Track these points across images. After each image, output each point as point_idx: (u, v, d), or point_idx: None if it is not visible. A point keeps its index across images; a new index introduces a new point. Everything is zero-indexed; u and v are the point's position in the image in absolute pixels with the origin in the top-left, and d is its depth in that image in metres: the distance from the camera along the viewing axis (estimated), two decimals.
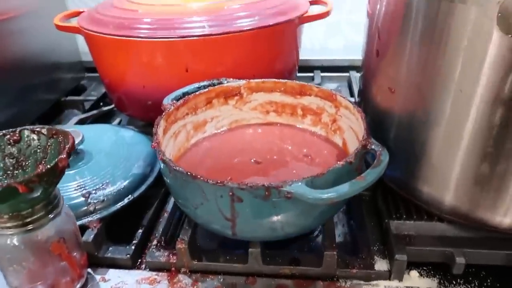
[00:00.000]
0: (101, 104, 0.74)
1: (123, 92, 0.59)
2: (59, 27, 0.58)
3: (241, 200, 0.33)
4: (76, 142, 0.47)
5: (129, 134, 0.55)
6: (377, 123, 0.43)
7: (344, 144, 0.47)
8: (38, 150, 0.37)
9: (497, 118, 0.33)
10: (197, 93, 0.48)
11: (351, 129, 0.45)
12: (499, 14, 0.28)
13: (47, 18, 0.61)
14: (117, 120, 0.65)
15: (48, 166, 0.31)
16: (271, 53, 0.57)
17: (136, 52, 0.53)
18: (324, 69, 0.79)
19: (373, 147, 0.37)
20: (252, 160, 0.46)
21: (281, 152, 0.47)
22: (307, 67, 0.79)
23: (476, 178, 0.36)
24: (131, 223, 0.45)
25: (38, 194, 0.32)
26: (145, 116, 0.61)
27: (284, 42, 0.58)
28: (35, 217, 0.33)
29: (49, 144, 0.37)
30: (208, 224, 0.38)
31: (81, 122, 0.64)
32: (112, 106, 0.67)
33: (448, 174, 0.38)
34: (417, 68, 0.36)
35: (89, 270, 0.41)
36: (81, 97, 0.73)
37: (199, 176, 0.33)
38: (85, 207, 0.43)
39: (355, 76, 0.75)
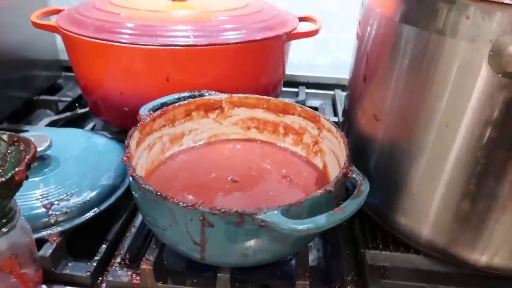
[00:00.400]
0: (77, 105, 0.70)
1: (99, 96, 0.56)
2: (35, 25, 0.55)
3: (212, 225, 0.31)
4: (43, 147, 0.45)
5: (102, 141, 0.52)
6: (359, 148, 0.42)
7: (324, 167, 0.46)
8: None
9: (480, 157, 0.32)
10: (176, 104, 0.46)
11: (333, 153, 0.44)
12: (491, 52, 0.27)
13: (26, 13, 0.58)
14: (91, 125, 0.62)
15: (2, 179, 0.28)
16: (256, 68, 0.56)
17: (115, 57, 0.51)
18: (310, 85, 0.78)
19: (354, 175, 0.35)
20: (229, 178, 0.44)
21: (260, 171, 0.46)
22: (293, 83, 0.78)
23: (455, 214, 0.35)
24: (97, 237, 0.43)
25: None
26: (121, 123, 0.58)
27: (271, 57, 0.57)
28: None
29: (9, 151, 0.34)
30: (176, 246, 0.36)
31: (52, 124, 0.61)
32: (87, 109, 0.64)
33: (427, 208, 0.37)
34: (403, 97, 0.35)
35: (44, 287, 0.39)
36: (55, 97, 0.70)
37: (169, 198, 0.31)
38: (46, 219, 0.40)
39: (340, 94, 0.74)
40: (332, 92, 0.76)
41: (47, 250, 0.38)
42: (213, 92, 0.50)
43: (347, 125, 0.45)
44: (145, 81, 0.51)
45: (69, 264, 0.40)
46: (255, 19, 0.55)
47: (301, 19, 0.62)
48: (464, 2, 0.28)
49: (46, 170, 0.45)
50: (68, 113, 0.64)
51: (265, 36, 0.53)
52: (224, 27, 0.52)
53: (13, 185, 0.29)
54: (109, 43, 0.49)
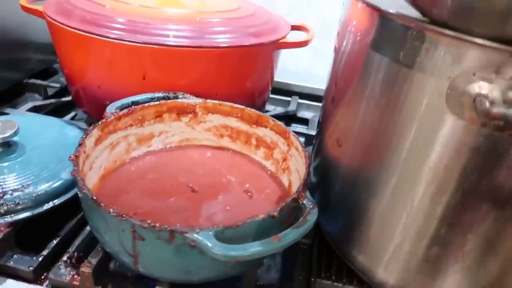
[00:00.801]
0: (66, 92, 0.70)
1: (80, 87, 0.55)
2: (24, 8, 0.55)
3: (142, 238, 0.30)
4: (8, 134, 0.44)
5: (74, 133, 0.51)
6: (324, 172, 0.40)
7: (289, 186, 0.44)
8: None
9: (441, 202, 0.30)
10: (145, 104, 0.45)
11: (297, 173, 0.42)
12: (448, 91, 0.25)
13: None
14: (71, 114, 0.62)
15: None
16: (240, 74, 0.54)
17: (96, 50, 0.50)
18: (304, 96, 0.76)
19: (304, 202, 0.33)
20: (189, 186, 0.43)
21: (222, 183, 0.44)
22: (286, 91, 0.76)
23: (410, 258, 0.33)
24: (51, 232, 0.42)
25: None
26: (101, 116, 0.58)
27: (257, 64, 0.55)
28: None
29: None
30: (113, 254, 0.35)
31: (35, 109, 0.61)
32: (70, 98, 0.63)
33: (382, 248, 0.35)
34: (367, 127, 0.33)
35: None
36: (44, 82, 0.70)
37: (101, 204, 0.30)
38: None
39: None
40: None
41: None
42: (188, 95, 0.49)
43: (317, 146, 0.43)
44: (122, 77, 0.51)
45: (15, 256, 0.39)
46: (244, 23, 0.53)
47: (295, 27, 0.60)
48: (423, 32, 0.26)
49: (10, 157, 0.45)
50: (53, 100, 0.64)
51: (250, 43, 0.51)
52: (211, 29, 0.51)
53: None
54: (91, 35, 0.48)
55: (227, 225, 0.30)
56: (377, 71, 0.31)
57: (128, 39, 0.48)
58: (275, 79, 0.76)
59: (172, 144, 0.49)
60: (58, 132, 0.51)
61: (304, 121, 0.72)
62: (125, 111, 0.44)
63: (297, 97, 0.74)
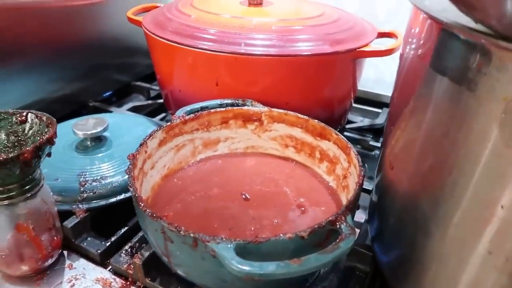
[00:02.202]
0: None
1: (168, 91, 0.60)
2: (129, 20, 0.62)
3: (171, 241, 0.31)
4: (99, 130, 0.50)
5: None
6: (381, 194, 0.36)
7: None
8: (37, 134, 0.40)
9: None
10: (212, 110, 0.47)
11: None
12: (503, 115, 0.20)
13: (134, 6, 0.65)
14: (162, 115, 0.68)
15: (8, 156, 0.33)
16: (315, 82, 0.52)
17: (178, 57, 0.53)
18: None
19: (342, 226, 0.30)
20: (243, 193, 0.43)
21: (277, 195, 0.43)
22: (377, 102, 0.71)
23: None
24: (120, 220, 0.47)
25: (3, 176, 0.34)
26: None
27: (334, 72, 0.52)
28: (6, 195, 0.36)
29: (46, 131, 0.39)
30: (155, 251, 0.36)
31: (134, 109, 0.68)
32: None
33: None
34: (423, 155, 0.28)
35: (65, 253, 0.44)
36: (148, 85, 0.78)
37: (140, 203, 0.32)
38: (77, 195, 0.45)
39: None
40: None
41: (70, 223, 0.43)
42: (256, 103, 0.49)
43: (378, 165, 0.39)
44: (198, 83, 0.53)
45: (88, 238, 0.44)
46: (325, 31, 0.51)
47: (383, 34, 0.55)
48: (494, 50, 0.21)
49: (98, 150, 0.51)
50: (150, 102, 0.71)
51: (326, 51, 0.49)
52: (290, 37, 0.50)
53: (20, 163, 0.34)
54: (175, 45, 0.52)
55: (250, 240, 0.29)
56: (437, 90, 0.27)
57: (211, 49, 0.50)
58: (367, 89, 0.72)
59: (238, 150, 0.50)
60: (143, 131, 0.56)
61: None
62: (191, 115, 0.46)
63: (388, 109, 0.68)
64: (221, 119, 0.48)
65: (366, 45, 0.51)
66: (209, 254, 0.29)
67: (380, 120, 0.66)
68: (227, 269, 0.28)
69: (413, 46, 0.30)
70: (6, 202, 0.36)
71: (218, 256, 0.28)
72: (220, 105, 0.49)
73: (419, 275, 0.31)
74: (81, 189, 0.45)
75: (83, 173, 0.47)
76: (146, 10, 0.66)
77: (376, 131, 0.66)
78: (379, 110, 0.69)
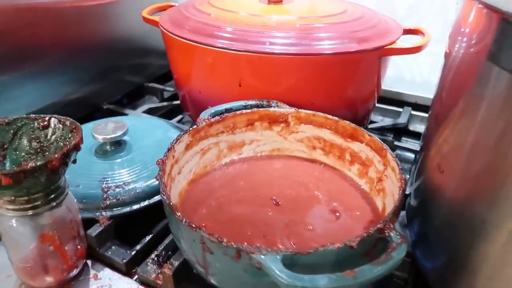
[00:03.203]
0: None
1: (186, 92, 0.58)
2: (144, 19, 0.61)
3: (211, 252, 0.29)
4: (119, 134, 0.49)
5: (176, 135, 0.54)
6: (424, 198, 0.35)
7: (383, 210, 0.39)
8: (60, 140, 0.38)
9: None
10: (237, 112, 0.45)
11: (392, 197, 0.37)
12: None
13: (147, 5, 0.64)
14: (179, 117, 0.66)
15: (36, 164, 0.31)
16: (340, 81, 0.51)
17: (198, 57, 0.52)
18: (418, 107, 0.68)
19: (391, 234, 0.29)
20: (273, 198, 0.41)
21: (308, 199, 0.42)
22: (398, 101, 0.69)
23: None
24: (144, 227, 0.45)
25: (29, 185, 0.32)
26: None
27: (359, 71, 0.51)
28: (31, 205, 0.34)
29: (69, 136, 0.38)
30: (189, 261, 0.35)
31: (149, 111, 0.67)
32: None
33: None
34: (477, 156, 0.27)
35: (89, 262, 0.42)
36: (161, 86, 0.76)
37: (177, 212, 0.30)
38: (100, 202, 0.43)
39: None
40: None
41: (94, 231, 0.42)
42: (282, 104, 0.47)
43: (419, 165, 0.37)
44: (220, 83, 0.52)
45: (113, 247, 0.43)
46: (349, 28, 0.50)
47: (408, 31, 0.54)
48: None
49: (119, 154, 0.49)
50: (165, 103, 0.69)
51: (352, 49, 0.47)
52: (314, 35, 0.49)
53: (48, 171, 0.32)
54: (197, 44, 0.50)
55: (297, 251, 0.27)
56: (494, 87, 0.25)
57: (233, 48, 0.48)
58: (386, 88, 0.70)
59: (263, 153, 0.48)
60: (163, 134, 0.54)
61: (417, 136, 0.65)
62: (217, 118, 0.44)
63: (410, 108, 0.67)
64: (246, 121, 0.46)
65: (393, 42, 0.49)
66: (253, 266, 0.28)
67: (402, 119, 0.64)
68: (275, 282, 0.26)
69: (464, 42, 0.28)
70: (30, 212, 0.35)
71: (265, 268, 0.27)
72: (245, 107, 0.47)
73: (472, 280, 0.30)
74: (104, 196, 0.44)
75: (105, 179, 0.45)
76: (161, 9, 0.64)
77: (398, 131, 0.65)
78: (400, 109, 0.68)
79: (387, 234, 0.29)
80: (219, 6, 0.55)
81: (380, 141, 0.40)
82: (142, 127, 0.55)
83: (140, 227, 0.45)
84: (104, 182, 0.45)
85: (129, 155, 0.49)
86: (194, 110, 0.60)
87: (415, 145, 0.60)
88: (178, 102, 0.69)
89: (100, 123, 0.50)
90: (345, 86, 0.51)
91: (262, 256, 0.27)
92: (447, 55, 0.32)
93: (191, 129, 0.42)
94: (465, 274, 0.30)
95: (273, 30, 0.49)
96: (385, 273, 0.26)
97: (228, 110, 0.46)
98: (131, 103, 0.73)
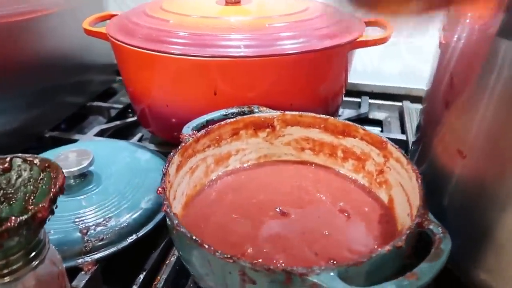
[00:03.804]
0: (129, 111, 0.69)
1: (146, 106, 0.53)
2: (87, 32, 0.54)
3: (253, 282, 0.26)
4: (85, 165, 0.42)
5: (146, 157, 0.49)
6: (432, 185, 0.35)
7: (390, 201, 0.39)
8: (29, 183, 0.32)
9: None
10: (222, 123, 0.42)
11: (401, 187, 0.37)
12: None
13: (81, 17, 0.57)
14: (138, 135, 0.60)
15: (24, 218, 0.25)
16: (314, 80, 0.50)
17: (162, 68, 0.47)
18: (374, 95, 0.70)
19: (431, 227, 0.28)
20: (278, 209, 0.39)
21: (313, 203, 0.40)
22: (355, 92, 0.71)
23: None
24: (134, 264, 0.40)
25: (12, 245, 0.26)
26: (167, 135, 0.55)
27: (331, 68, 0.51)
28: (10, 269, 0.28)
29: (41, 177, 0.31)
30: None
31: (102, 133, 0.60)
32: (135, 118, 0.62)
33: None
34: (500, 131, 0.28)
35: None
36: (107, 104, 0.69)
37: (205, 245, 0.27)
38: (81, 246, 0.37)
39: (409, 107, 0.66)
40: (399, 104, 0.68)
41: (81, 281, 0.36)
42: (264, 108, 0.45)
43: (418, 155, 0.38)
44: (191, 94, 0.48)
45: None
46: (315, 25, 0.49)
47: (368, 23, 0.55)
48: None
49: (87, 188, 0.43)
50: (118, 122, 0.63)
51: (325, 46, 0.47)
52: (281, 35, 0.47)
53: (36, 223, 0.26)
54: (156, 53, 0.46)
55: (352, 262, 0.25)
56: (505, 61, 0.26)
57: (191, 54, 0.45)
58: None
59: (250, 162, 0.46)
60: (130, 157, 0.49)
61: (377, 123, 0.67)
62: (202, 132, 0.41)
63: (368, 97, 0.69)
64: (231, 131, 0.43)
65: (361, 35, 0.50)
66: None
67: (364, 109, 0.66)
68: None
69: (470, 25, 0.29)
70: (7, 279, 0.28)
71: None
72: (226, 115, 0.44)
73: (489, 251, 0.31)
74: (85, 238, 0.38)
75: (80, 219, 0.39)
76: (102, 19, 0.58)
77: (360, 121, 0.66)
78: (357, 99, 0.69)
79: (426, 227, 0.29)
80: (175, 11, 0.51)
81: (376, 134, 0.40)
82: (103, 153, 0.49)
83: (129, 264, 0.40)
84: (80, 223, 0.39)
85: (100, 186, 0.43)
86: (159, 125, 0.55)
87: (377, 131, 0.62)
88: (132, 119, 0.63)
89: (58, 154, 0.43)
90: (319, 83, 0.51)
91: (317, 276, 0.25)
92: (443, 45, 0.33)
93: (179, 148, 0.38)
94: (483, 251, 0.31)
95: (243, 32, 0.46)
96: (441, 268, 0.26)
97: (209, 122, 0.43)
98: (76, 127, 0.65)
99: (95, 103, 0.69)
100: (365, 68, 0.74)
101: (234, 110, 0.44)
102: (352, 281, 0.25)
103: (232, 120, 0.43)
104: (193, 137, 0.39)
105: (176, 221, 0.29)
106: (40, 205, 0.26)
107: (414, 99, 0.67)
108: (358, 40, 0.49)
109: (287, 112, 0.44)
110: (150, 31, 0.48)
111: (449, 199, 0.34)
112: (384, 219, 0.38)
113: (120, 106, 0.69)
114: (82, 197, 0.42)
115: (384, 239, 0.35)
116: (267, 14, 0.51)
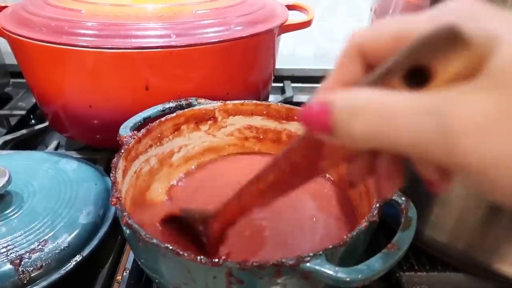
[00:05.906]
0: (32, 118, 0.61)
1: (61, 109, 0.47)
2: None
3: (241, 282, 0.25)
4: (3, 183, 0.36)
5: (72, 166, 0.43)
6: None
7: (342, 179, 0.40)
8: None
9: None
10: (163, 119, 0.39)
11: None
12: None
13: None
14: (54, 143, 0.53)
15: None
16: (245, 67, 0.49)
17: (78, 64, 0.42)
18: (295, 79, 0.72)
19: (395, 198, 0.30)
20: None
21: None
22: (277, 77, 0.71)
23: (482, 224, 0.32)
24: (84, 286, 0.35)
25: None
26: (90, 138, 0.50)
27: (261, 54, 0.50)
28: None
29: None
30: None
31: (6, 145, 0.51)
32: (47, 123, 0.54)
33: (461, 221, 0.33)
34: None
35: None
36: (5, 111, 0.59)
37: (185, 254, 0.24)
38: (16, 278, 0.32)
39: None
40: (319, 85, 0.70)
41: None
42: (203, 100, 0.43)
43: None
44: (118, 91, 0.43)
45: None
46: (240, 12, 0.48)
47: (289, 7, 0.55)
48: None
49: (7, 212, 0.36)
50: (24, 131, 0.54)
51: (254, 32, 0.46)
52: (206, 22, 0.45)
53: None
54: (69, 47, 0.40)
55: (336, 244, 0.25)
56: None
57: (118, 46, 0.40)
58: None
59: (194, 159, 0.43)
60: (53, 169, 0.42)
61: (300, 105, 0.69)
62: (143, 131, 0.37)
63: (289, 81, 0.70)
64: (172, 127, 0.40)
65: (286, 19, 0.50)
66: (294, 280, 0.25)
67: (289, 93, 0.67)
68: (334, 284, 0.24)
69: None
70: None
71: (315, 275, 0.24)
72: (163, 111, 0.41)
73: (435, 208, 0.34)
74: (19, 270, 0.32)
75: (8, 248, 0.33)
76: None
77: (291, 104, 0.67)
78: (279, 84, 0.70)
79: (391, 199, 0.30)
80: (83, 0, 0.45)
81: None
82: (20, 168, 0.42)
83: None
84: (9, 252, 0.33)
85: (24, 206, 0.37)
86: (78, 129, 0.49)
87: None
88: (42, 125, 0.55)
89: None
90: (251, 70, 0.50)
91: (308, 264, 0.24)
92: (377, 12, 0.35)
93: (122, 151, 0.34)
94: (432, 210, 0.34)
95: (167, 20, 0.43)
96: (414, 233, 0.27)
97: (146, 119, 0.39)
98: None
99: None
100: (281, 52, 0.75)
101: (172, 104, 0.41)
102: (336, 263, 0.25)
103: (172, 115, 0.40)
104: (134, 138, 0.36)
105: (144, 233, 0.26)
106: None
107: None
108: (285, 24, 0.49)
109: (228, 102, 0.42)
110: (59, 23, 0.41)
111: None
112: (343, 196, 0.39)
113: (21, 112, 0.60)
114: (6, 220, 0.36)
115: (342, 218, 0.36)
116: (187, 1, 0.48)
